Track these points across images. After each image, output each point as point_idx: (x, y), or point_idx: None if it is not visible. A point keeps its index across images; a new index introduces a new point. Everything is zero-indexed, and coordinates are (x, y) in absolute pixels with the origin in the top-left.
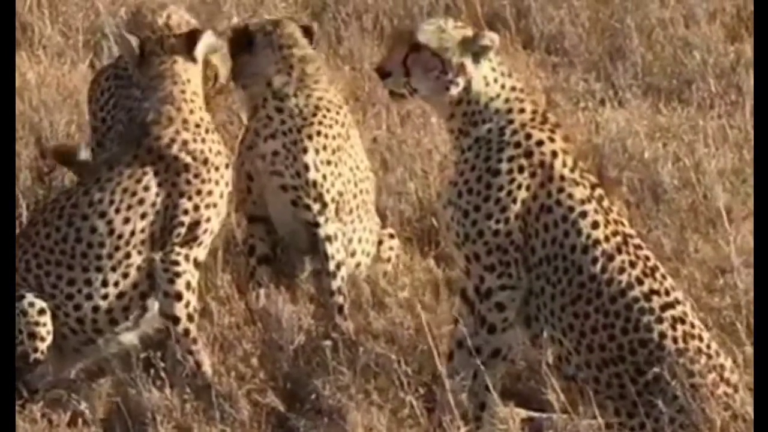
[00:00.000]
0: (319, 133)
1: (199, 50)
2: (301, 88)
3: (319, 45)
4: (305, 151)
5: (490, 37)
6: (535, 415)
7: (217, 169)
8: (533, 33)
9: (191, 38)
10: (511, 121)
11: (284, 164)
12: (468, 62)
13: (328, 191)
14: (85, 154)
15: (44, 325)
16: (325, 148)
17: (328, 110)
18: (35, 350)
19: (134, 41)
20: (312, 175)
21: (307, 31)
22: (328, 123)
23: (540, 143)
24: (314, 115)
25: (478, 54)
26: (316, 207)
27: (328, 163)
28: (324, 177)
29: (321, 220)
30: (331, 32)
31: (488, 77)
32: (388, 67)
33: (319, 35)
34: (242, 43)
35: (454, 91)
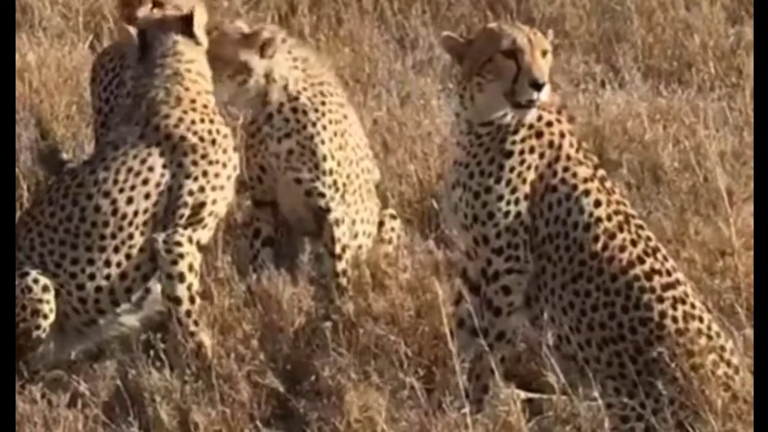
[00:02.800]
0: (330, 122)
1: (197, 27)
2: (306, 79)
3: (319, 27)
4: (322, 142)
5: None
6: (536, 396)
7: (224, 151)
8: (534, 15)
9: (188, 19)
10: None
11: (301, 160)
12: None
13: (340, 175)
14: (65, 155)
15: (48, 302)
16: (335, 134)
17: (331, 94)
18: (38, 327)
19: (133, 31)
20: (328, 164)
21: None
22: (335, 108)
23: (549, 124)
24: (323, 104)
25: None
26: (329, 193)
27: (340, 148)
28: (339, 163)
29: (333, 205)
30: (331, 14)
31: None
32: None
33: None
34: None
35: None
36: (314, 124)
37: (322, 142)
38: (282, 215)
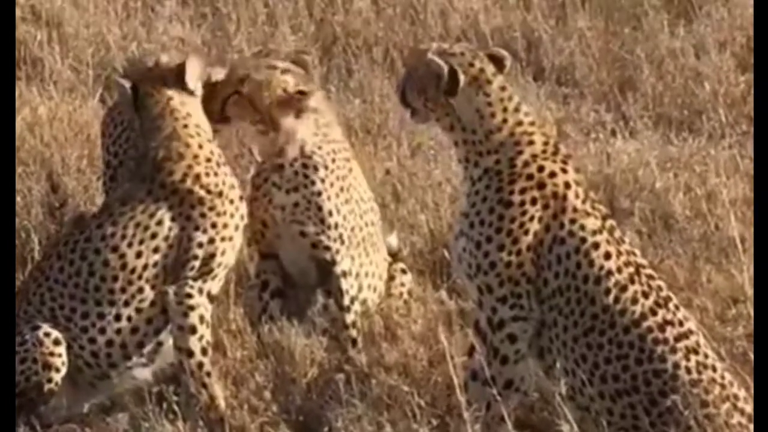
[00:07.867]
0: (338, 178)
1: (189, 78)
2: (322, 140)
3: (329, 78)
4: (329, 198)
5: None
6: None
7: (231, 201)
8: (544, 64)
9: (180, 70)
10: (520, 152)
11: (306, 215)
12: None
13: (345, 229)
14: None
15: (59, 355)
16: (342, 189)
17: (340, 150)
18: (50, 381)
19: (127, 84)
20: (334, 219)
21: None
22: (342, 164)
23: (553, 175)
24: (333, 161)
25: (451, 90)
26: (335, 246)
27: (346, 202)
28: (344, 218)
29: (338, 258)
30: (341, 65)
31: (483, 111)
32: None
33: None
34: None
35: (432, 117)
36: (323, 181)
37: (329, 198)
38: (285, 267)
